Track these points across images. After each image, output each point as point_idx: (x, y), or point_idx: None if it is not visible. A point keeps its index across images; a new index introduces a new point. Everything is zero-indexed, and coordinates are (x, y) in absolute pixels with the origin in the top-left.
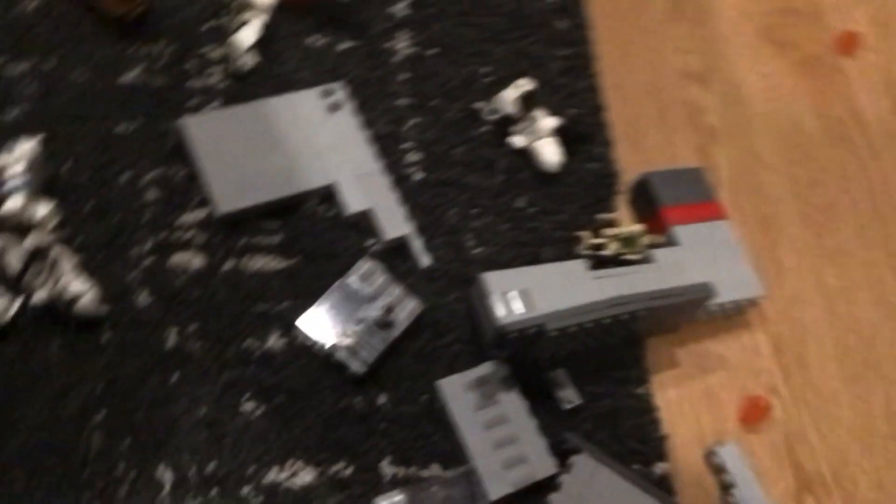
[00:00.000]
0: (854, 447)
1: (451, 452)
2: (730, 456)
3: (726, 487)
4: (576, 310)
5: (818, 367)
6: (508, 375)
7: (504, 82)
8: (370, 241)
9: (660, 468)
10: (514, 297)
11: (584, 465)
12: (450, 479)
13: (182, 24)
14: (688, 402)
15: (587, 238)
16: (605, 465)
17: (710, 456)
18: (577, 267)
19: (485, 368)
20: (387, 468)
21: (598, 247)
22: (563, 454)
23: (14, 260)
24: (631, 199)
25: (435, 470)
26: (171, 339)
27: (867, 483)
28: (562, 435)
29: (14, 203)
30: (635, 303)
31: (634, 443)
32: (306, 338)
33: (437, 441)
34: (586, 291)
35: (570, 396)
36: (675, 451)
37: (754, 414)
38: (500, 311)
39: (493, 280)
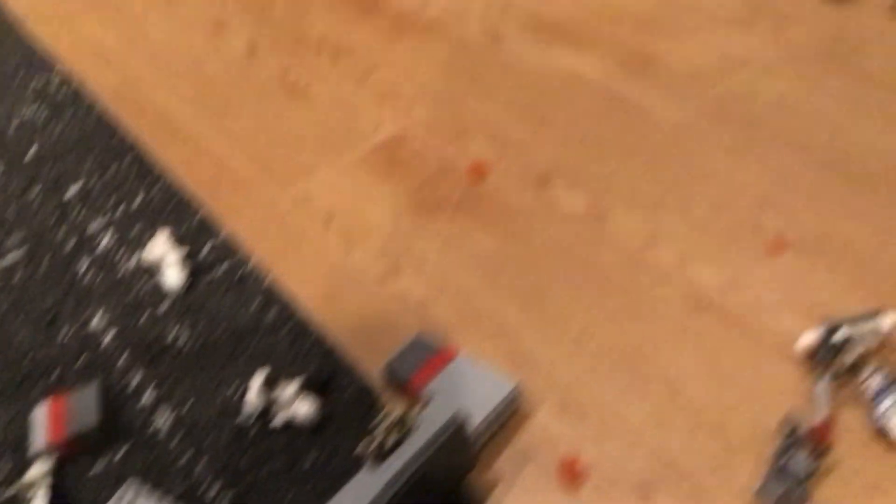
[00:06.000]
0: None
1: None
2: None
3: None
4: None
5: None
6: None
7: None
8: None
9: None
10: None
11: None
12: None
13: None
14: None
15: (367, 445)
16: None
17: None
18: (363, 477)
19: None
20: None
21: (381, 444)
22: None
23: None
24: (393, 393)
25: None
26: None
27: None
28: None
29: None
30: (404, 470)
31: None
32: None
33: None
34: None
35: None
36: None
37: (571, 473)
38: None
39: None
